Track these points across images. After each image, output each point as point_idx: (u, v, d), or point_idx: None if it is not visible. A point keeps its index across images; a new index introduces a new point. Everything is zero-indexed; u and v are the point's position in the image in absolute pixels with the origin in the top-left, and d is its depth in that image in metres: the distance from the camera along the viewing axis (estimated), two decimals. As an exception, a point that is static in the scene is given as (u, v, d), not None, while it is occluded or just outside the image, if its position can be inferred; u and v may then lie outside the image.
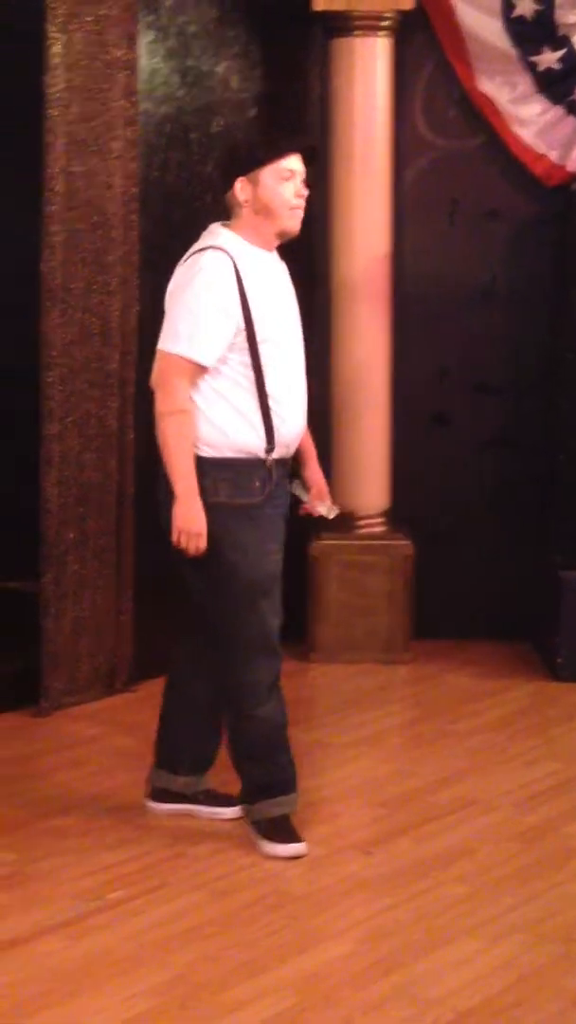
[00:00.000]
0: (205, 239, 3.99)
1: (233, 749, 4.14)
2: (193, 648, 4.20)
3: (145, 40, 5.34)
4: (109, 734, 5.01)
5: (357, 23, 5.66)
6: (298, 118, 6.02)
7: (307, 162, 3.97)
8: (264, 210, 3.92)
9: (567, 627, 5.60)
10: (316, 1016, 3.19)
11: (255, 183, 3.91)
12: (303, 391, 4.07)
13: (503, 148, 5.92)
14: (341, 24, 5.67)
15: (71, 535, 5.17)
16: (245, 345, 3.89)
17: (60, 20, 4.93)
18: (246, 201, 3.92)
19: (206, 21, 5.61)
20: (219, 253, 3.89)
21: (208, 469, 3.91)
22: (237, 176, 3.92)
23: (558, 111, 5.89)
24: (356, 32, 5.67)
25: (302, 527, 5.90)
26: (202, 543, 3.90)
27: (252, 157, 3.93)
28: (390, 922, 3.63)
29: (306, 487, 4.22)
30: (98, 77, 5.06)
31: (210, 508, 3.90)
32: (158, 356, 3.93)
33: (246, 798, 4.11)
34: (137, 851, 4.03)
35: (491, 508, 6.11)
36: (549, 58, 5.83)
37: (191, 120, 5.60)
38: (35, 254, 5.02)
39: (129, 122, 5.19)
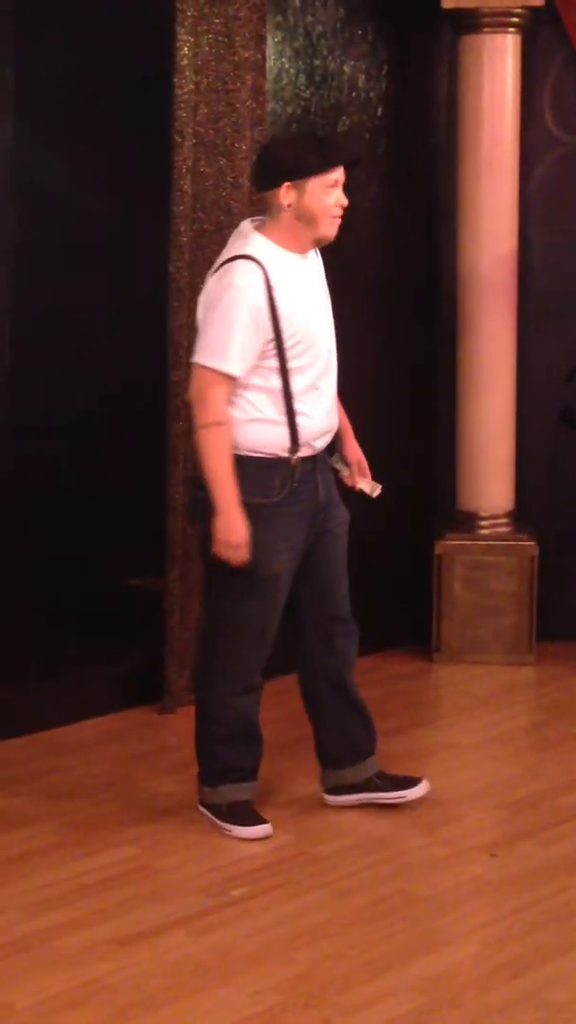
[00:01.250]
0: (235, 245, 4.01)
1: (202, 730, 4.21)
2: (304, 649, 4.25)
3: (273, 40, 5.35)
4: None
5: (486, 20, 5.61)
6: (426, 117, 6.00)
7: (349, 169, 4.03)
8: (307, 217, 3.96)
9: None
10: (441, 1018, 3.17)
11: (301, 190, 3.94)
12: (333, 390, 4.13)
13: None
14: (470, 21, 5.63)
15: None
16: (274, 351, 3.96)
17: (189, 22, 4.96)
18: (288, 206, 3.95)
19: (333, 21, 5.61)
20: (250, 264, 3.92)
21: (233, 468, 3.96)
22: (284, 181, 3.94)
23: None
24: (485, 29, 5.62)
25: (427, 527, 5.90)
26: (245, 553, 3.94)
27: (304, 166, 3.94)
28: (516, 925, 3.60)
29: (346, 463, 4.27)
30: (226, 78, 5.09)
31: None
32: (193, 370, 3.99)
33: (208, 781, 4.19)
34: (261, 848, 4.04)
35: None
36: None
37: (318, 120, 5.61)
38: (163, 254, 5.06)
39: (256, 122, 5.20)
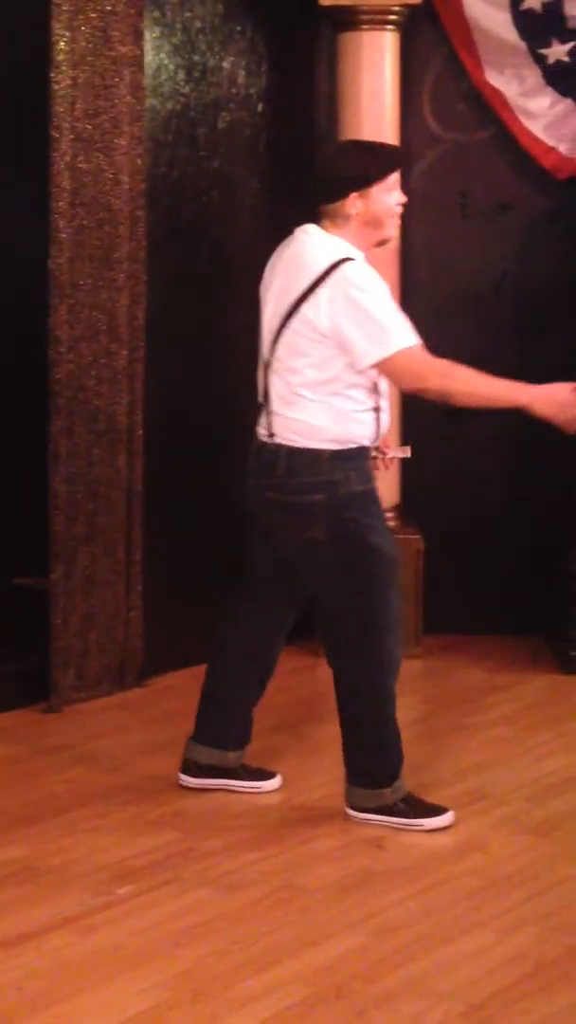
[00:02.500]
0: (322, 246, 4.07)
1: (375, 728, 4.21)
2: (241, 628, 4.38)
3: (151, 36, 5.32)
4: (119, 729, 5.00)
5: (365, 17, 5.63)
6: (306, 113, 6.01)
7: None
8: (374, 221, 4.11)
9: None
10: (327, 1009, 3.18)
11: (366, 198, 4.08)
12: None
13: (512, 141, 5.91)
14: (349, 18, 5.65)
15: (80, 531, 5.17)
16: None
17: (65, 16, 4.92)
18: (357, 214, 4.09)
19: (212, 17, 5.59)
20: (357, 264, 4.04)
21: (338, 462, 4.06)
22: (351, 191, 4.07)
23: (567, 104, 5.86)
24: (364, 26, 5.65)
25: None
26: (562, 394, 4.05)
27: (368, 174, 4.09)
28: (402, 915, 3.62)
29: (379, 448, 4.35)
30: (104, 73, 5.05)
31: (348, 497, 4.07)
32: (392, 362, 4.00)
33: (386, 781, 4.19)
34: (148, 846, 4.02)
35: (500, 502, 6.09)
36: (558, 51, 5.80)
37: (198, 116, 5.59)
38: (43, 251, 5.02)
39: (135, 118, 5.18)
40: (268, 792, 4.42)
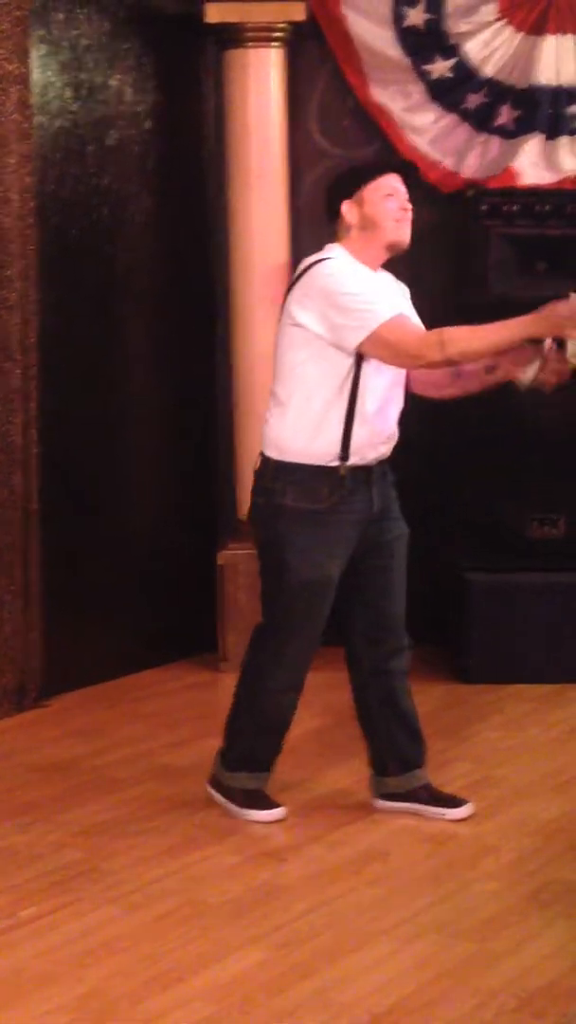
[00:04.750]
0: (314, 255, 4.17)
1: (238, 719, 4.35)
2: (355, 659, 4.43)
3: (37, 54, 5.32)
4: (19, 751, 4.98)
5: (250, 35, 5.68)
6: (194, 130, 6.04)
7: (406, 182, 4.20)
8: (370, 225, 4.13)
9: (475, 629, 5.66)
10: (232, 1024, 3.20)
11: (360, 203, 4.14)
12: (398, 406, 4.23)
13: (398, 156, 5.97)
14: (234, 36, 5.70)
15: (-24, 551, 5.15)
16: (351, 358, 4.05)
17: (-50, 35, 4.91)
18: (354, 222, 4.15)
19: (99, 34, 5.60)
20: (334, 261, 4.11)
21: (278, 473, 4.14)
22: (343, 200, 4.15)
23: (451, 118, 5.95)
24: (249, 43, 5.70)
25: (209, 536, 5.94)
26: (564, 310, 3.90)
27: (355, 179, 4.20)
28: (304, 928, 3.64)
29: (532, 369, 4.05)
30: (-10, 92, 5.05)
31: (276, 509, 4.15)
32: (372, 342, 4.00)
33: (228, 763, 4.35)
34: (50, 867, 4.01)
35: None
36: (441, 67, 5.89)
37: (86, 133, 5.59)
38: None
39: (23, 136, 5.17)
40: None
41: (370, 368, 4.08)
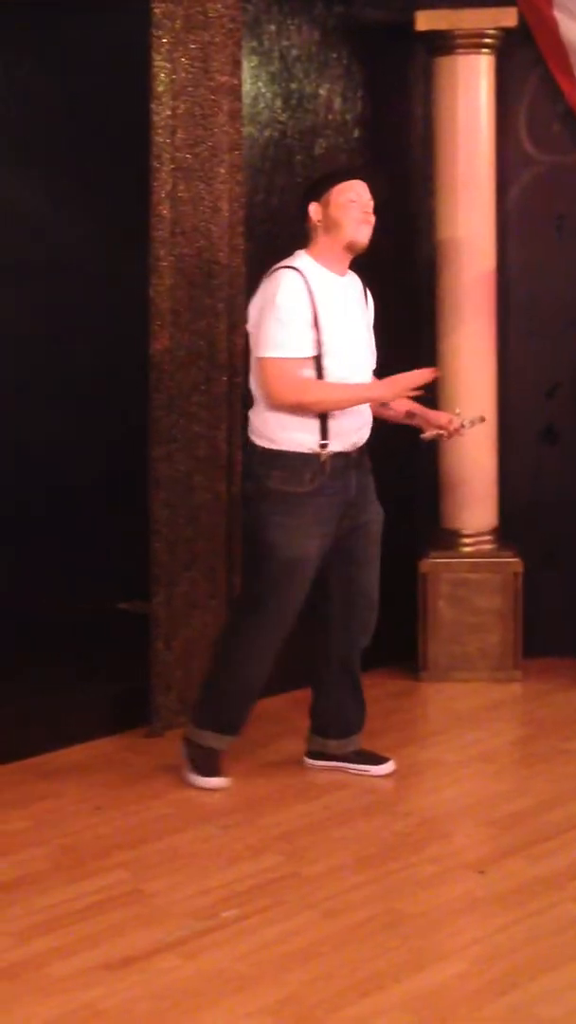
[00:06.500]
0: (285, 260, 4.47)
1: (215, 680, 4.64)
2: (324, 619, 4.67)
3: (248, 65, 5.39)
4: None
5: (460, 41, 5.65)
6: (401, 138, 6.04)
7: (373, 192, 4.47)
8: (333, 225, 4.43)
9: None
10: (431, 1036, 3.18)
11: (325, 205, 4.45)
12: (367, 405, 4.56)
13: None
14: (444, 43, 5.67)
15: (181, 557, 5.22)
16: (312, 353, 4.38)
17: (165, 48, 4.99)
18: (319, 222, 4.45)
19: (308, 44, 5.65)
20: (293, 272, 4.40)
21: (264, 458, 4.46)
22: (310, 201, 4.46)
23: None
24: (459, 51, 5.66)
25: (411, 546, 5.92)
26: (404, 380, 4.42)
27: (321, 182, 4.51)
28: (505, 942, 3.61)
29: (436, 430, 4.69)
30: (203, 103, 5.11)
31: (261, 492, 4.46)
32: (261, 364, 4.40)
33: (197, 719, 4.65)
34: (251, 869, 4.05)
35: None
36: None
37: (295, 143, 5.64)
38: (144, 279, 5.08)
39: (234, 147, 5.23)
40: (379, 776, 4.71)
41: (333, 362, 4.37)
